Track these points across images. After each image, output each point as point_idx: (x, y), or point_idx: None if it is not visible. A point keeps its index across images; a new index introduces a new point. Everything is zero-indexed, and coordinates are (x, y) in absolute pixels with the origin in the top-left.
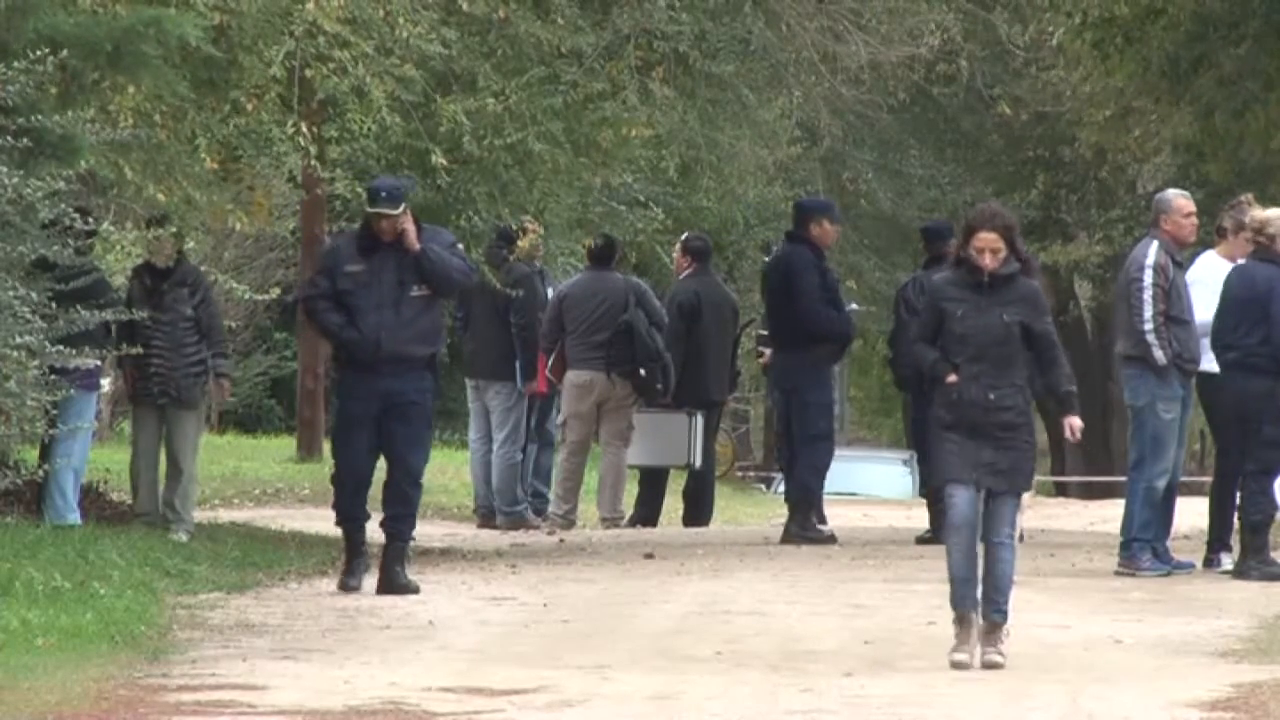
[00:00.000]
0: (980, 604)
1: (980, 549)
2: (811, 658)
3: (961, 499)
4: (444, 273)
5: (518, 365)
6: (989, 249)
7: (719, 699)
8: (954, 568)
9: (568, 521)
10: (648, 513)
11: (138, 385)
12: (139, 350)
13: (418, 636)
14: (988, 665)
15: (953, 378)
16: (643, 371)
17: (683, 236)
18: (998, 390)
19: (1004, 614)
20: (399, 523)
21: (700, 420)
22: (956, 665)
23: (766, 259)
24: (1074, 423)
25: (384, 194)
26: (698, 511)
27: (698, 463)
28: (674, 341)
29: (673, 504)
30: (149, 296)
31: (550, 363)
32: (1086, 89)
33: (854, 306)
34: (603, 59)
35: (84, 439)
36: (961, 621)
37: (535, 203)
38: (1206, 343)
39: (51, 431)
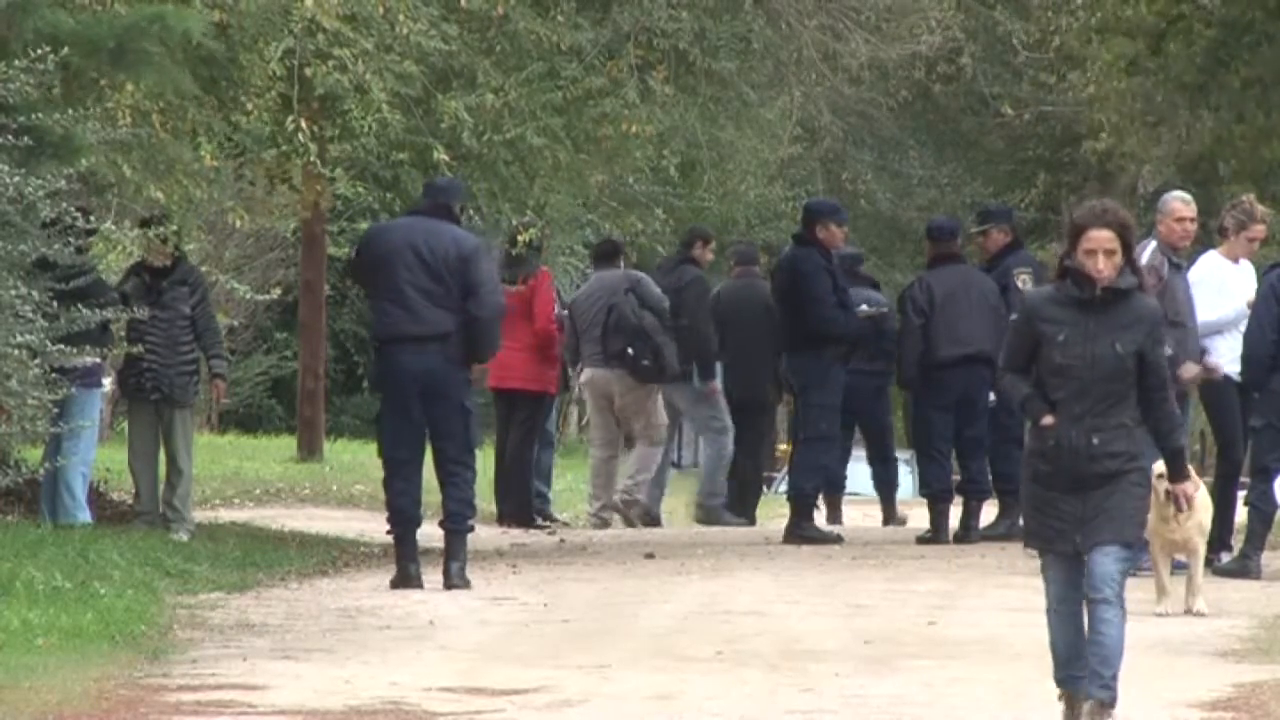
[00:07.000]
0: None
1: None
2: (811, 658)
3: (1058, 576)
4: None
5: None
6: (1103, 250)
7: (719, 699)
8: (1057, 644)
9: (600, 520)
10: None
11: (130, 381)
12: (140, 350)
13: (418, 636)
14: None
15: (1049, 419)
16: (630, 350)
17: None
18: (1102, 433)
19: (1111, 691)
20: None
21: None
22: None
23: (772, 259)
24: (1186, 490)
25: None
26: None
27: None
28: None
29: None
30: (147, 294)
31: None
32: (1091, 90)
33: (864, 308)
34: (603, 57)
35: (90, 437)
36: (1069, 701)
37: (536, 199)
38: (1208, 343)
39: (54, 430)
